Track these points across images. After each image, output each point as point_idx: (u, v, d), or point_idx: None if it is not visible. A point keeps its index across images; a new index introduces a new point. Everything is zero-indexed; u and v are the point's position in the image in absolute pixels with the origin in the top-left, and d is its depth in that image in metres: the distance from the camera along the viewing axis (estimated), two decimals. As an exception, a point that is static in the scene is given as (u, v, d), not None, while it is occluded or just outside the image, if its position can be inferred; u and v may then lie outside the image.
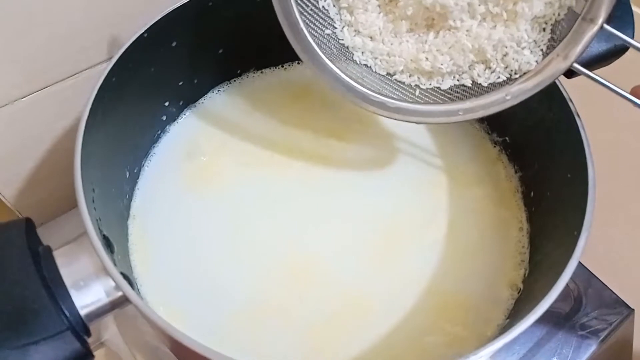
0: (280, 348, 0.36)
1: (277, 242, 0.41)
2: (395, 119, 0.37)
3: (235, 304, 0.38)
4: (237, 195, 0.43)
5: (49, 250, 0.30)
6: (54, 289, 0.28)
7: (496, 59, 0.36)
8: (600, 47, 0.41)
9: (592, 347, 0.49)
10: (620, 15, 0.41)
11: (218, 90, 0.49)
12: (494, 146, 0.46)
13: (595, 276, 0.55)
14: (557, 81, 0.38)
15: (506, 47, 0.35)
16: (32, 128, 0.46)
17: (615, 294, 0.54)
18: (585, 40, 0.34)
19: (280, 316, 0.38)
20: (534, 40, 0.35)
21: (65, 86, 0.44)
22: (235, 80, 0.50)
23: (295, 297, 0.38)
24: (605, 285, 0.54)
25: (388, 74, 0.38)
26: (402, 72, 0.38)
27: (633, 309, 0.53)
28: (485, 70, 0.36)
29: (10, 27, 0.38)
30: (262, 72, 0.50)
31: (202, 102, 0.48)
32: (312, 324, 0.37)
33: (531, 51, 0.35)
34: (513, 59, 0.35)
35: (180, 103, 0.47)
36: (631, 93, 0.34)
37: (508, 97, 0.36)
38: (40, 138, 0.47)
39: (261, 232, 0.41)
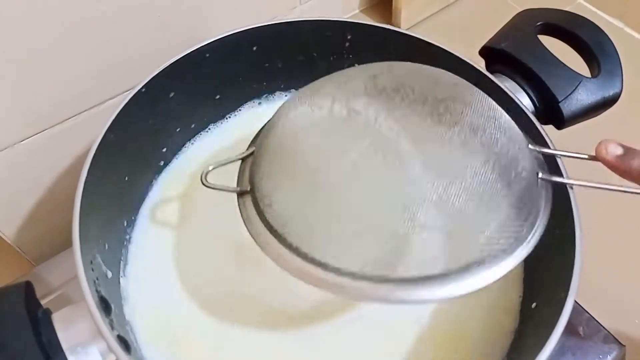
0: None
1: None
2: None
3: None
4: (233, 232, 0.42)
5: (47, 314, 0.31)
6: (52, 355, 0.29)
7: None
8: (589, 99, 0.42)
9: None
10: (609, 69, 0.42)
11: (214, 129, 0.50)
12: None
13: (587, 311, 0.55)
14: (546, 138, 0.39)
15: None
16: (32, 169, 0.46)
17: (607, 330, 0.54)
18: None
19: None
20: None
21: (65, 128, 0.45)
22: (229, 118, 0.50)
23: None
24: (597, 321, 0.54)
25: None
26: None
27: (624, 346, 0.53)
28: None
29: (11, 73, 0.39)
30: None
31: (198, 143, 0.49)
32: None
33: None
34: None
35: (178, 147, 0.48)
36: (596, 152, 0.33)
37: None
38: (40, 178, 0.48)
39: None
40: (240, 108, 0.51)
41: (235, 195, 0.32)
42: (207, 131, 0.49)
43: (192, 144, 0.48)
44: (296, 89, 0.51)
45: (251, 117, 0.51)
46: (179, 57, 0.41)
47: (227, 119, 0.50)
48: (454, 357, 0.39)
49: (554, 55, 0.42)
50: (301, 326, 0.40)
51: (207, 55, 0.42)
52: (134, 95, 0.38)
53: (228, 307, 0.40)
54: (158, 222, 0.44)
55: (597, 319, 0.54)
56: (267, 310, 0.40)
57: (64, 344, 0.30)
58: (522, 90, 0.42)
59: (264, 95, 0.51)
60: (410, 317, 0.40)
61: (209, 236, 0.43)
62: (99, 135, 0.36)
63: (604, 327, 0.54)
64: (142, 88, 0.39)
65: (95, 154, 0.35)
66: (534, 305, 0.38)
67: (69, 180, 0.49)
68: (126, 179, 0.41)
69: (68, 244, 0.53)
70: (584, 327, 0.54)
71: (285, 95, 0.51)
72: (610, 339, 0.53)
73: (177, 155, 0.48)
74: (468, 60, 0.43)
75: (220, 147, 0.49)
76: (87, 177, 0.34)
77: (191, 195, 0.46)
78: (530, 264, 0.41)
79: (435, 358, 0.39)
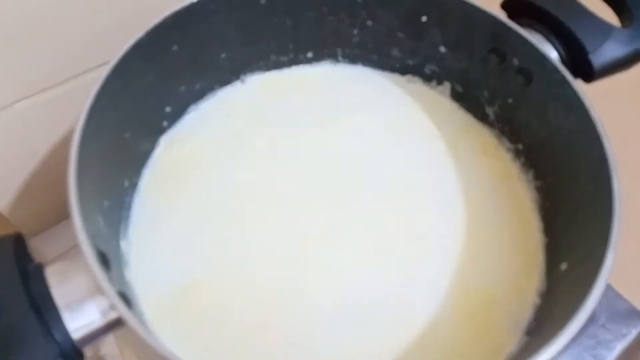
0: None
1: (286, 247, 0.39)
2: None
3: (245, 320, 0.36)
4: (240, 194, 0.42)
5: (40, 268, 0.28)
6: (45, 312, 0.27)
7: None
8: (622, 50, 0.40)
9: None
10: (641, 17, 0.39)
11: (221, 92, 0.47)
12: (507, 152, 0.44)
13: (610, 285, 0.53)
14: (577, 88, 0.37)
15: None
16: (25, 136, 0.44)
17: (630, 304, 0.52)
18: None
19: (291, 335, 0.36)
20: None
21: (60, 92, 0.43)
22: (236, 81, 0.48)
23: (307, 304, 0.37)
24: (620, 295, 0.53)
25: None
26: None
27: (650, 321, 0.51)
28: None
29: (2, 34, 0.37)
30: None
31: (204, 105, 0.46)
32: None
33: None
34: None
35: (182, 108, 0.45)
36: None
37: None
38: (34, 146, 0.46)
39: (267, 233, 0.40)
40: (247, 72, 0.48)
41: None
42: (213, 94, 0.47)
43: (197, 106, 0.46)
44: (304, 55, 0.49)
45: (258, 83, 0.49)
46: (181, 7, 0.38)
47: (233, 82, 0.48)
48: (474, 323, 0.37)
49: (581, 4, 0.40)
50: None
51: (212, 6, 0.40)
52: (134, 44, 0.36)
53: (235, 271, 0.38)
54: (161, 184, 0.41)
55: (620, 292, 0.52)
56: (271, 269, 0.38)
57: (58, 301, 0.27)
58: (548, 42, 0.40)
59: (272, 58, 0.48)
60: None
61: (213, 199, 0.41)
62: (97, 84, 0.34)
63: (628, 301, 0.52)
64: (143, 37, 0.36)
65: (93, 103, 0.33)
66: (564, 267, 0.35)
67: (65, 149, 0.47)
68: (126, 135, 0.38)
69: (66, 215, 0.51)
70: (607, 301, 0.52)
71: (291, 67, 0.49)
72: (636, 313, 0.51)
73: (181, 117, 0.45)
74: (489, 11, 0.40)
75: (227, 112, 0.47)
76: (84, 125, 0.32)
77: (196, 158, 0.43)
78: (557, 226, 0.39)
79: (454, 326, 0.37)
